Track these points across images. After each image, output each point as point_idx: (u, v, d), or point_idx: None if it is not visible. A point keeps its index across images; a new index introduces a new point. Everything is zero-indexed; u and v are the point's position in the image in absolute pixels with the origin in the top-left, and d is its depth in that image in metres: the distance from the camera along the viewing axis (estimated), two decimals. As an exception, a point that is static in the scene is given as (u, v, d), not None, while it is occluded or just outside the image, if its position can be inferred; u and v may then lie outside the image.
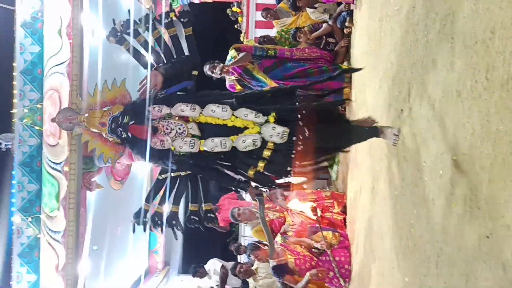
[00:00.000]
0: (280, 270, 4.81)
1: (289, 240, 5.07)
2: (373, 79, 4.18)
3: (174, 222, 3.63)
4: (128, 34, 3.80)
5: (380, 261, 3.68)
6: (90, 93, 3.56)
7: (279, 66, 5.45)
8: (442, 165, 2.49)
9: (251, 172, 3.25)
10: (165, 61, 3.75)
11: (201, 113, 3.28)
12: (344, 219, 5.22)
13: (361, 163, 4.59)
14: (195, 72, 3.75)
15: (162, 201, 3.67)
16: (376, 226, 3.89)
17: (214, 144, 3.21)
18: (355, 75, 5.12)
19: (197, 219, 3.60)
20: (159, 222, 3.64)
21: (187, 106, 3.29)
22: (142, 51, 3.88)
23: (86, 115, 3.48)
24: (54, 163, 6.14)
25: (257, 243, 5.53)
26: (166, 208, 3.71)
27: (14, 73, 6.23)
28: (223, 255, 8.45)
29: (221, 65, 5.30)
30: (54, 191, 6.15)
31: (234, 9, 9.04)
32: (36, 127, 6.15)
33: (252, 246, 5.40)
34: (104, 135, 3.45)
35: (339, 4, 5.68)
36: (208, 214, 3.59)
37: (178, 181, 3.62)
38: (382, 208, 3.70)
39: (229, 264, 6.62)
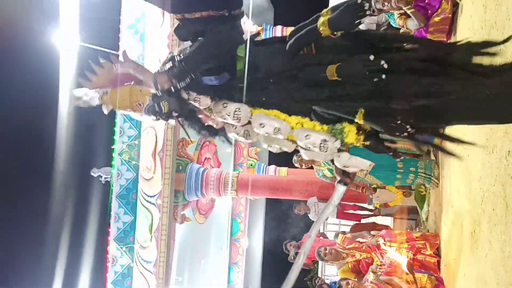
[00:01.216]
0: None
1: (380, 279, 4.97)
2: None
3: None
4: None
5: (485, 309, 3.52)
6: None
7: None
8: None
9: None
10: None
11: (250, 120, 2.32)
12: (438, 261, 5.03)
13: (457, 205, 4.45)
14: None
15: None
16: (478, 271, 3.73)
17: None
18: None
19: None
20: None
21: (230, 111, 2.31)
22: None
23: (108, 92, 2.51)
24: (148, 196, 6.51)
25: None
26: None
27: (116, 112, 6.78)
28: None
29: None
30: (147, 222, 6.49)
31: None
32: (133, 162, 6.58)
33: (340, 279, 5.32)
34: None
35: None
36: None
37: None
38: (485, 252, 3.55)
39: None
